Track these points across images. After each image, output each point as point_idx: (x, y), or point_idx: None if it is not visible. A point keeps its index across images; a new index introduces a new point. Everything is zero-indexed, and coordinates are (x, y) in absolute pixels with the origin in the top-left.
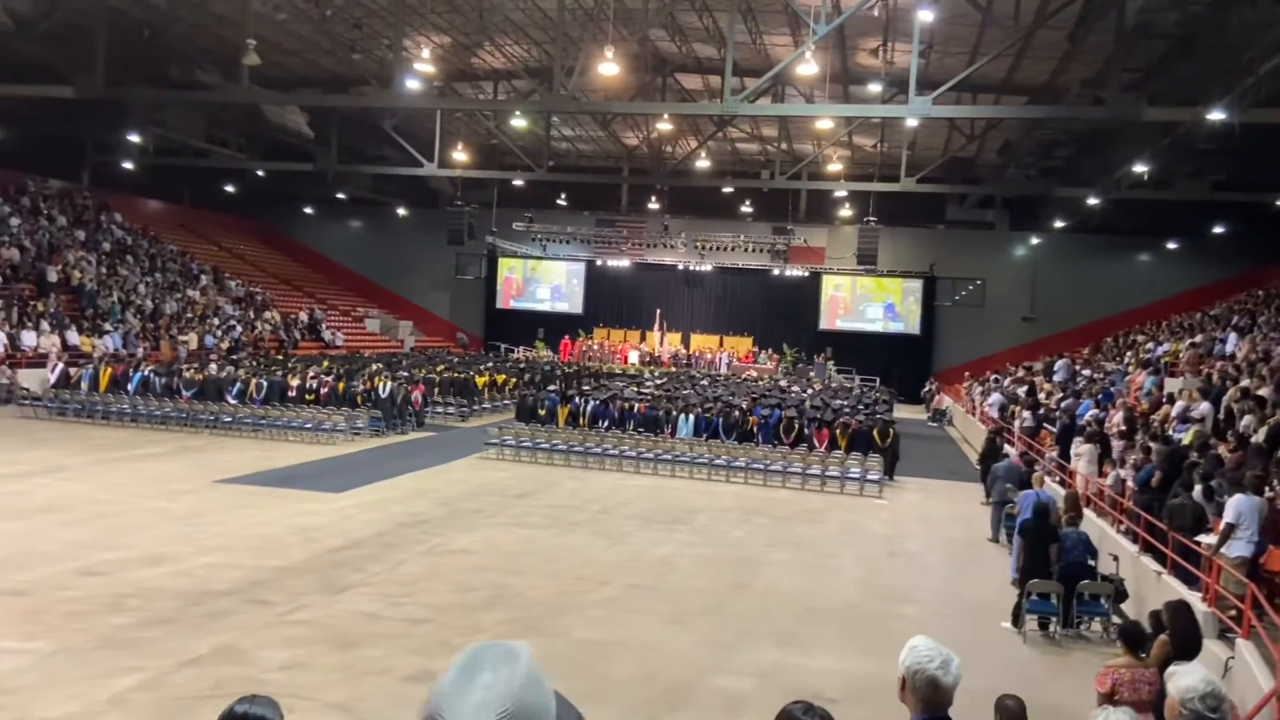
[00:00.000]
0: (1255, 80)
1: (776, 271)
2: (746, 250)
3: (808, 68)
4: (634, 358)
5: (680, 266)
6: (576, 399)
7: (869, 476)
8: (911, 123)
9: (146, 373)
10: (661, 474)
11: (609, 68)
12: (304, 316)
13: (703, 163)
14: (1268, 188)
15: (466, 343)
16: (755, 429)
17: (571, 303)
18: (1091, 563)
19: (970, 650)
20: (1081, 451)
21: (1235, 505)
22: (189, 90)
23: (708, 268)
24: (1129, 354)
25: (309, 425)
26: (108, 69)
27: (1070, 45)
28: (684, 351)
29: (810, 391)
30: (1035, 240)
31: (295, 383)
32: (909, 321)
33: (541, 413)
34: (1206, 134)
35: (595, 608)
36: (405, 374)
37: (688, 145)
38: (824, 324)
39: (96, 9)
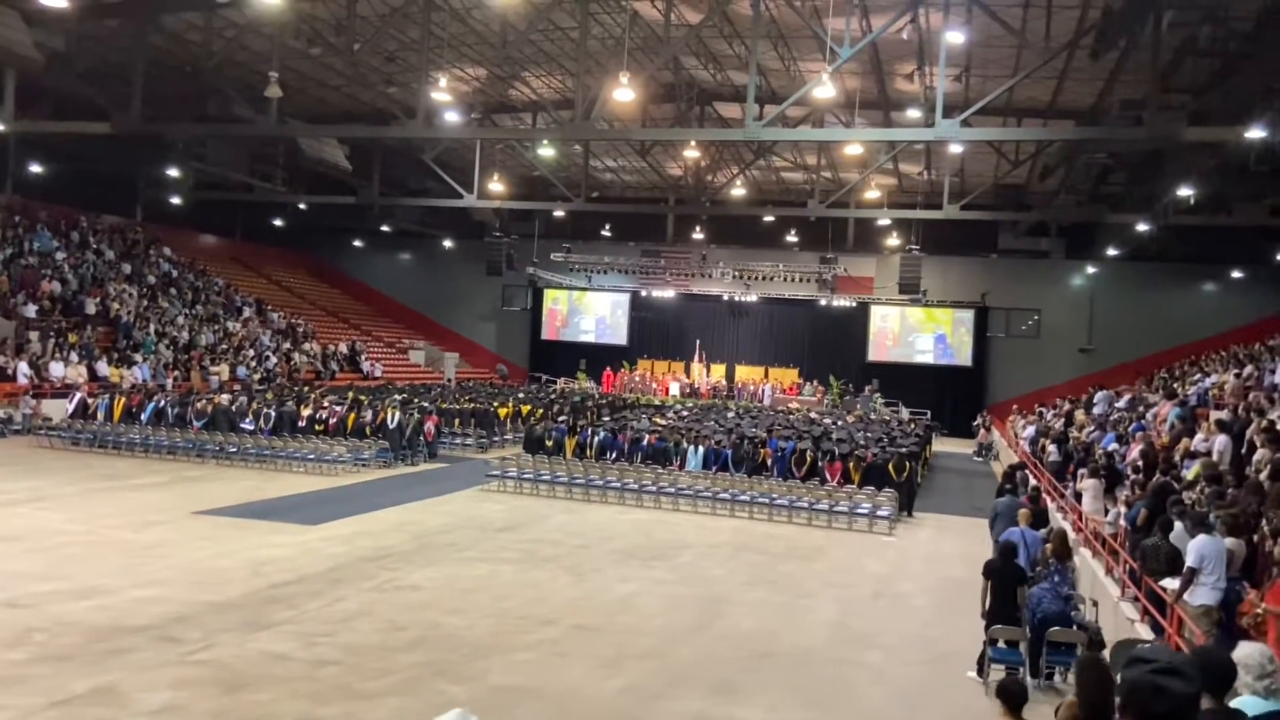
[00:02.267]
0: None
1: (823, 302)
2: (792, 280)
3: (825, 91)
4: (675, 389)
5: (725, 297)
6: (587, 430)
7: (878, 512)
8: (955, 149)
9: (160, 403)
10: (664, 508)
11: (624, 93)
12: (343, 348)
13: (739, 190)
14: None
15: (506, 374)
16: (769, 462)
17: (616, 334)
18: (1078, 610)
19: (926, 700)
20: (1085, 487)
21: (1197, 548)
22: (225, 124)
23: (753, 298)
24: (1175, 386)
25: (311, 456)
26: (146, 105)
27: (1093, 63)
28: (724, 383)
29: (840, 424)
30: (1092, 269)
31: (306, 413)
32: (960, 353)
33: (549, 444)
34: (1258, 155)
35: (526, 650)
36: (419, 405)
37: (730, 175)
38: (872, 355)
39: (135, 46)
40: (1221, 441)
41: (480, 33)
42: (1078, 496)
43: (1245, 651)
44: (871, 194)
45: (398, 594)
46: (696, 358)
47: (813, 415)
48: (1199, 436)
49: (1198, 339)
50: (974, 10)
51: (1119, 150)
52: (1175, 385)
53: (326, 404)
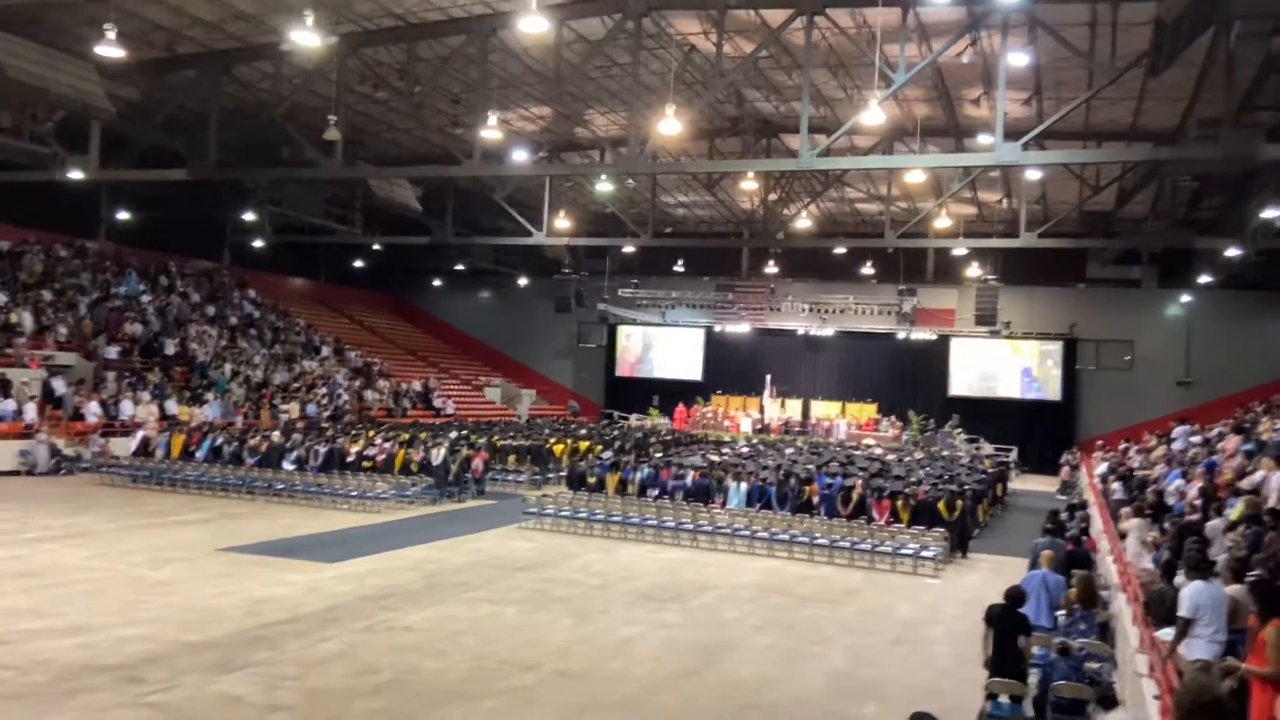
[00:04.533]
0: None
1: (902, 335)
2: (869, 313)
3: (874, 117)
4: (746, 425)
5: (800, 331)
6: (630, 467)
7: (923, 553)
8: (1033, 175)
9: (216, 440)
10: (701, 547)
11: (671, 126)
12: (416, 385)
13: (805, 222)
14: None
15: (578, 410)
16: (815, 499)
17: (691, 370)
18: (1095, 665)
19: None
20: (1129, 527)
21: (1191, 596)
22: (296, 168)
23: (829, 332)
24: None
25: (355, 493)
26: (222, 152)
27: (1173, 83)
28: (794, 419)
29: (904, 460)
30: (1187, 298)
31: (354, 449)
32: (1048, 386)
33: (591, 480)
34: None
35: (494, 697)
36: (468, 440)
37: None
38: (954, 389)
39: (210, 96)
40: (1278, 479)
41: (539, 71)
42: (1123, 537)
43: None
44: (944, 223)
45: (386, 635)
46: (767, 393)
47: (875, 451)
48: (1260, 474)
49: None
50: (1038, 32)
51: (1202, 172)
52: (1265, 419)
53: (377, 441)
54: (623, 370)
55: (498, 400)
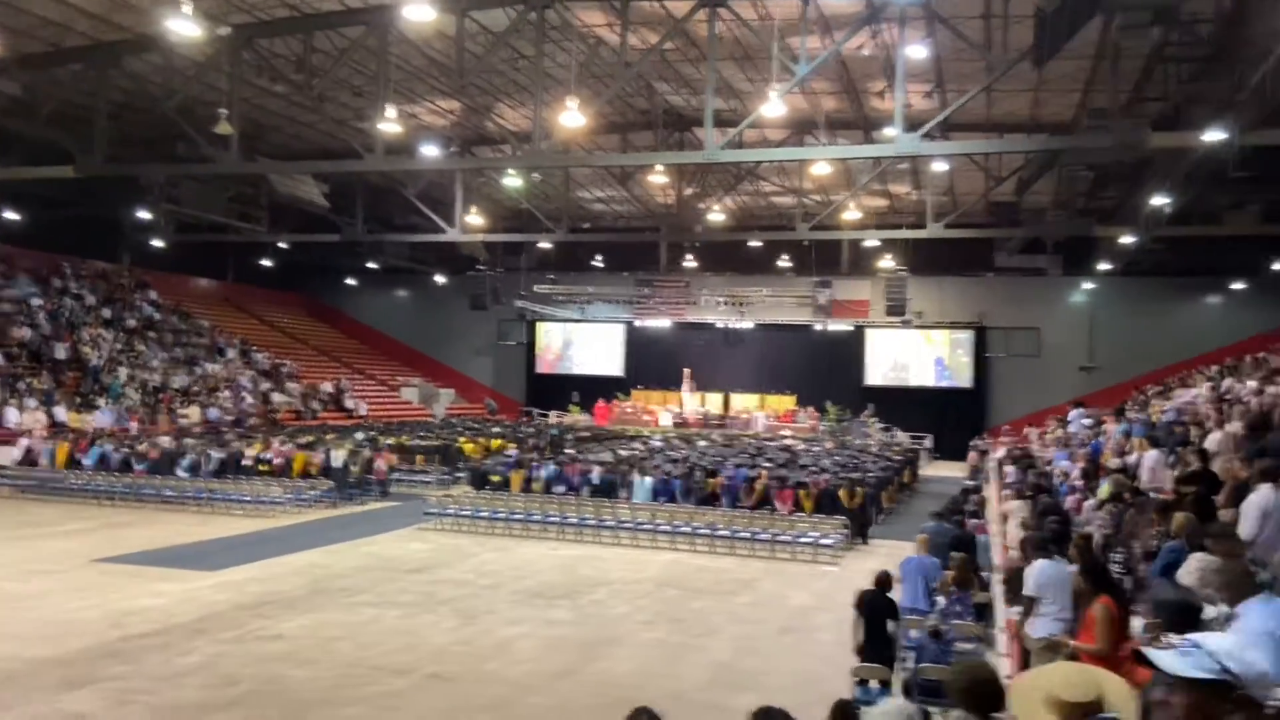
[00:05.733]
0: (1247, 100)
1: (819, 327)
2: (786, 305)
3: (774, 110)
4: (666, 419)
5: (720, 324)
6: (536, 464)
7: (821, 541)
8: (940, 166)
9: (105, 448)
10: (605, 542)
11: (573, 119)
12: (327, 387)
13: (717, 215)
14: None
15: (495, 409)
16: (719, 491)
17: (612, 365)
18: (968, 645)
19: None
20: (1009, 509)
21: (1035, 574)
22: (190, 164)
23: (748, 325)
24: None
25: (248, 499)
26: (113, 148)
27: (1043, 74)
28: (713, 413)
29: (814, 450)
30: (1090, 285)
31: (252, 454)
32: (959, 374)
33: (495, 479)
34: (1236, 161)
35: (357, 704)
36: (369, 441)
37: (719, 200)
38: (870, 379)
39: (98, 90)
40: (1152, 458)
41: (443, 64)
42: (1006, 519)
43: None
44: (853, 215)
45: (255, 644)
46: (685, 386)
47: (787, 442)
48: (1135, 454)
49: (1203, 353)
50: (936, 25)
51: (1095, 161)
52: (1155, 401)
53: (275, 445)
54: (543, 367)
55: (415, 400)
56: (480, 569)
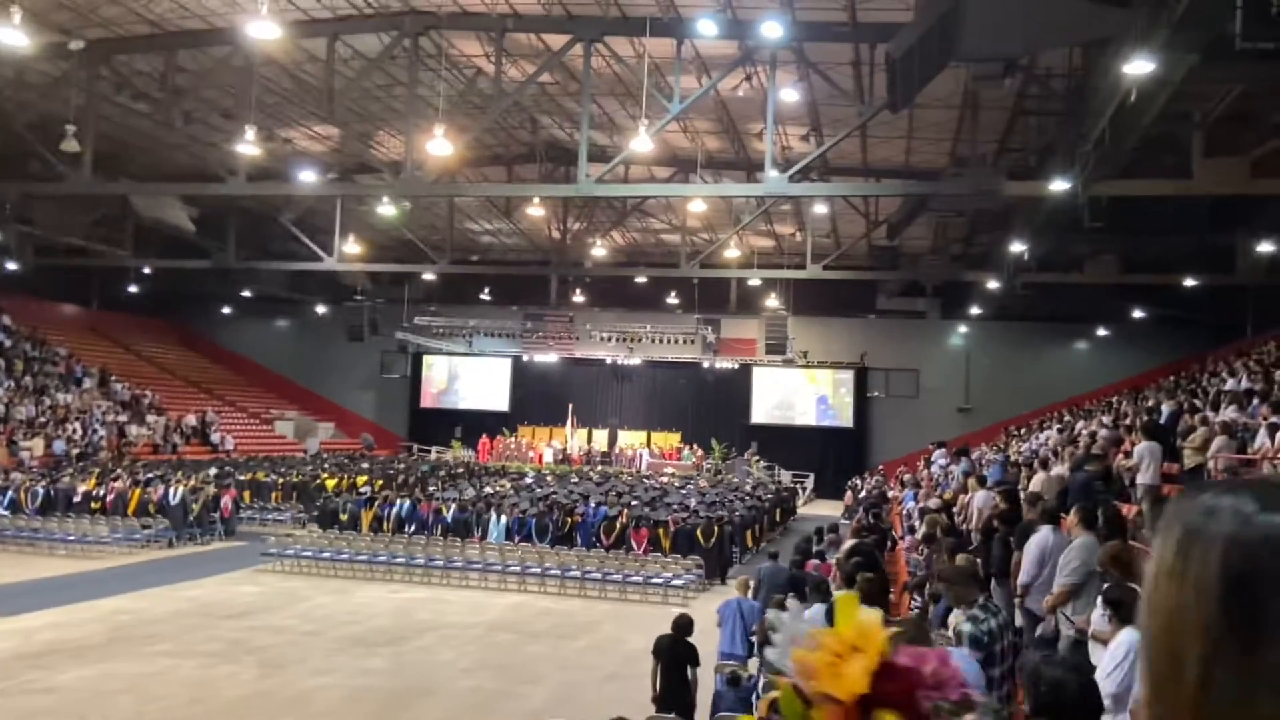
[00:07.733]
0: (1090, 152)
1: (706, 364)
2: (674, 342)
3: (642, 145)
4: (549, 456)
5: (609, 360)
6: (389, 503)
7: (673, 581)
8: (821, 209)
9: None
10: (453, 583)
11: (440, 147)
12: (191, 419)
13: (599, 251)
14: (1174, 268)
15: (373, 444)
16: (574, 530)
17: (498, 400)
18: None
19: None
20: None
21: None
22: (41, 183)
23: (636, 361)
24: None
25: (73, 537)
26: None
27: (914, 122)
28: (598, 449)
29: (688, 488)
30: (965, 329)
31: (84, 489)
32: (842, 414)
33: (343, 517)
34: (1089, 211)
35: None
36: (215, 478)
37: (609, 238)
38: (755, 418)
39: None
40: (981, 498)
41: (315, 90)
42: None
43: None
44: (737, 254)
45: (22, 699)
46: (569, 423)
47: (662, 479)
48: (978, 494)
49: (1073, 395)
50: (809, 70)
51: (961, 208)
52: (1014, 442)
53: (109, 481)
54: (427, 401)
55: (290, 435)
56: (308, 614)
